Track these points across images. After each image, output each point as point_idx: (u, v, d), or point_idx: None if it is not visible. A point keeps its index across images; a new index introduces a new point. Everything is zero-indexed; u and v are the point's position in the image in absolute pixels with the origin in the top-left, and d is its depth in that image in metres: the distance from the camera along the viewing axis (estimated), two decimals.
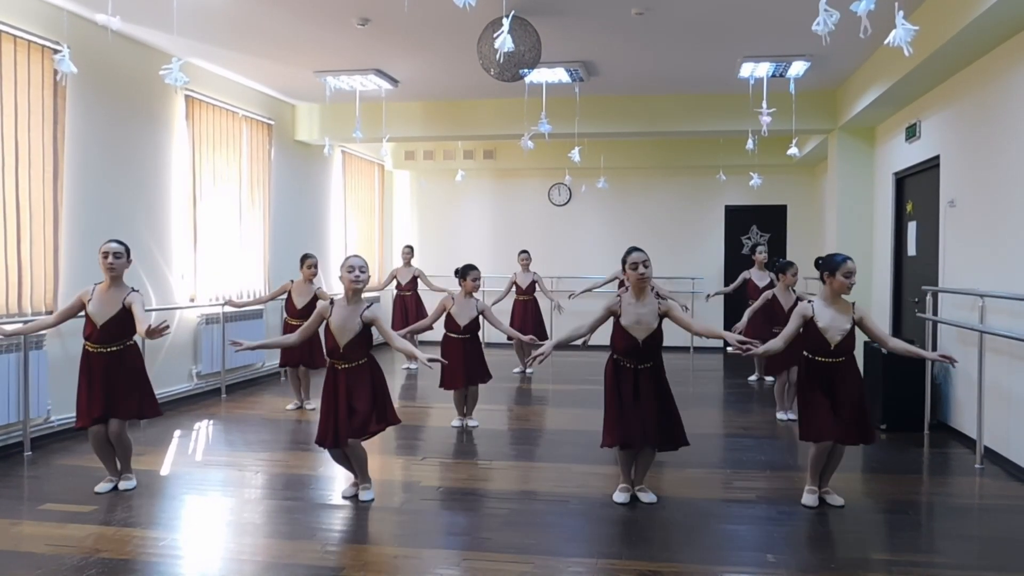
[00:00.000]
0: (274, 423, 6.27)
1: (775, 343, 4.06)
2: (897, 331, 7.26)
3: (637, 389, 4.05)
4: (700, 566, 3.40)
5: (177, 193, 6.94)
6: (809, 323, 4.03)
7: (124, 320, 4.24)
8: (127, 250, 4.33)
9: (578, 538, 3.78)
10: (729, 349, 4.24)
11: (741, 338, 3.88)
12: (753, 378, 8.52)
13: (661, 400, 4.09)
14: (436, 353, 4.41)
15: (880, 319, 7.66)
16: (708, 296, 9.19)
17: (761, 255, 8.04)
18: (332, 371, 4.13)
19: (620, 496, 4.22)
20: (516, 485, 4.63)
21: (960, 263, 5.79)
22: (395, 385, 8.12)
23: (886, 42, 3.48)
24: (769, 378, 8.22)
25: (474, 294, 5.96)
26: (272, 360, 8.32)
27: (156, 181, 6.69)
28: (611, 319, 4.12)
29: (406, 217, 12.20)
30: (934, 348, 6.02)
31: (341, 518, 4.03)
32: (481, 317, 5.95)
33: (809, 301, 4.11)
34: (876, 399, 6.18)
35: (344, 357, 4.06)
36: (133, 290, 4.31)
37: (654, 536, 3.75)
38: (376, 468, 4.93)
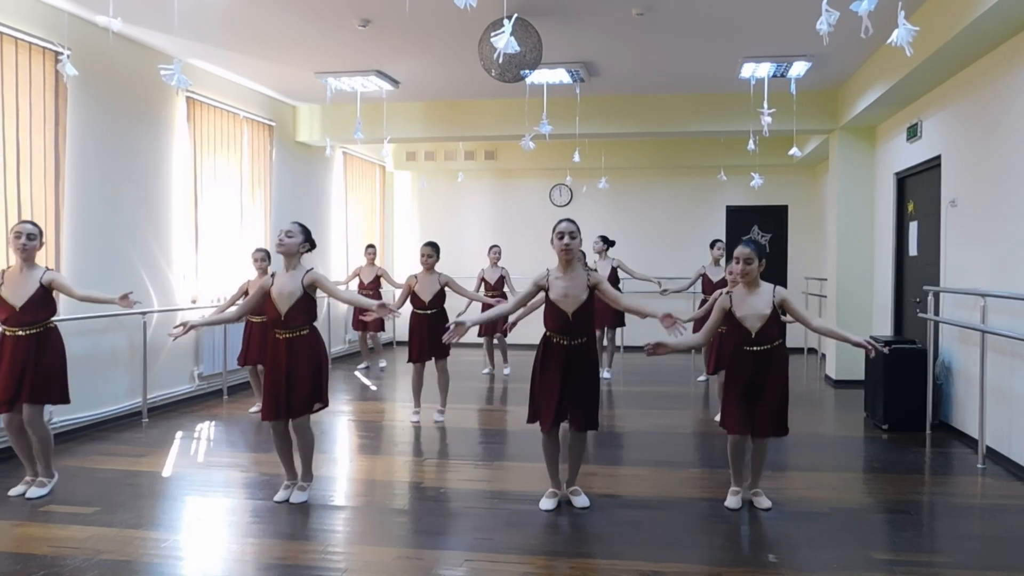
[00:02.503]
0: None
1: (696, 337, 4.15)
2: (899, 331, 7.26)
3: (567, 368, 3.93)
4: (702, 566, 3.40)
5: (178, 194, 6.95)
6: (728, 313, 4.01)
7: (43, 300, 4.16)
8: (40, 232, 4.24)
9: (579, 538, 3.78)
10: (699, 379, 4.20)
11: (665, 311, 3.78)
12: (701, 378, 8.42)
13: (587, 380, 3.98)
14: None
15: (882, 319, 7.66)
16: (661, 291, 8.72)
17: (717, 251, 7.97)
18: (274, 343, 4.06)
19: (547, 503, 4.10)
20: (517, 485, 4.63)
21: (962, 263, 5.79)
22: (396, 386, 8.12)
23: (888, 41, 3.48)
24: (701, 378, 8.30)
25: (435, 268, 6.13)
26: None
27: (157, 182, 6.69)
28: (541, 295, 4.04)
29: (407, 218, 12.20)
30: (936, 348, 6.01)
31: (343, 519, 4.03)
32: (447, 289, 6.12)
33: (728, 292, 4.09)
34: (877, 399, 6.18)
35: (285, 325, 4.00)
36: (48, 269, 4.25)
37: (655, 536, 3.75)
38: (377, 469, 4.93)
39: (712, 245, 8.07)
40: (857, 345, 3.88)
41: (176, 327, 4.10)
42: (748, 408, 3.99)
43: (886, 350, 3.99)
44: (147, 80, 6.45)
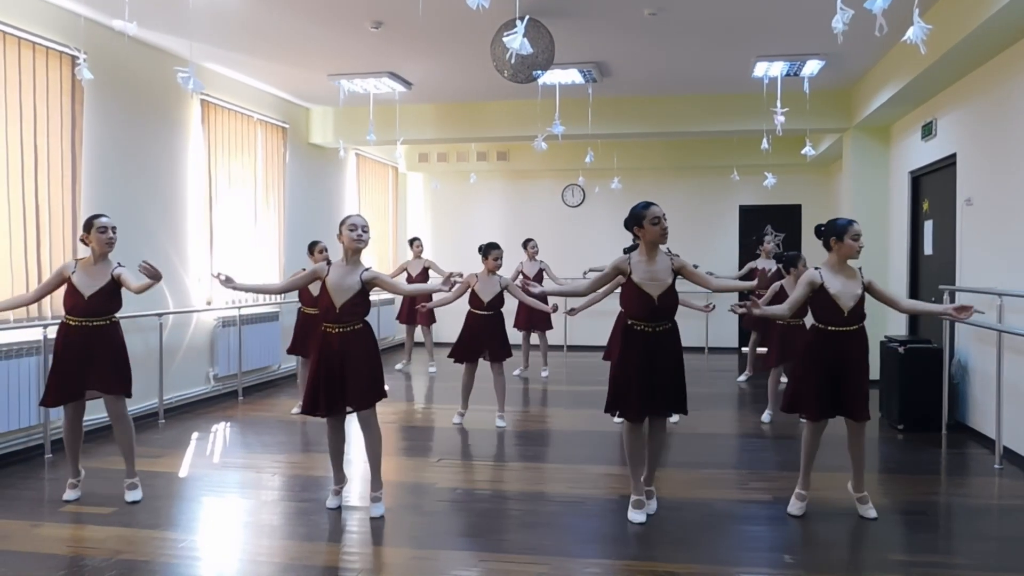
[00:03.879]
0: (291, 425, 6.31)
1: (780, 308, 3.97)
2: (914, 330, 7.20)
3: (652, 355, 3.82)
4: (717, 567, 3.39)
5: (193, 196, 7.01)
6: (819, 290, 3.86)
7: (113, 293, 4.20)
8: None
9: (594, 539, 3.78)
10: (730, 306, 4.20)
11: (749, 285, 3.89)
12: (742, 378, 8.46)
13: (675, 366, 3.88)
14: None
15: (896, 318, 7.60)
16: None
17: (769, 245, 8.05)
18: (324, 337, 3.94)
19: (636, 515, 3.92)
20: (531, 486, 4.63)
21: (977, 262, 5.74)
22: (415, 386, 8.15)
23: (904, 39, 3.46)
24: (741, 377, 8.28)
25: (497, 272, 6.03)
26: (288, 363, 8.38)
27: (172, 185, 6.76)
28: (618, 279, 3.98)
29: (419, 219, 12.23)
30: (952, 348, 5.96)
31: (358, 520, 4.05)
32: (506, 293, 6.02)
33: (816, 268, 3.97)
34: (893, 399, 6.13)
35: (339, 319, 3.91)
36: (119, 264, 4.28)
37: (670, 537, 3.74)
38: (391, 470, 4.95)
39: (761, 240, 8.15)
40: (943, 314, 3.84)
41: (220, 274, 4.07)
42: (831, 392, 3.86)
43: (974, 313, 3.81)
44: (162, 83, 6.51)
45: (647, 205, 3.87)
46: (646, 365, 3.83)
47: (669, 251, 4.01)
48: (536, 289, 4.03)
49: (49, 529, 3.85)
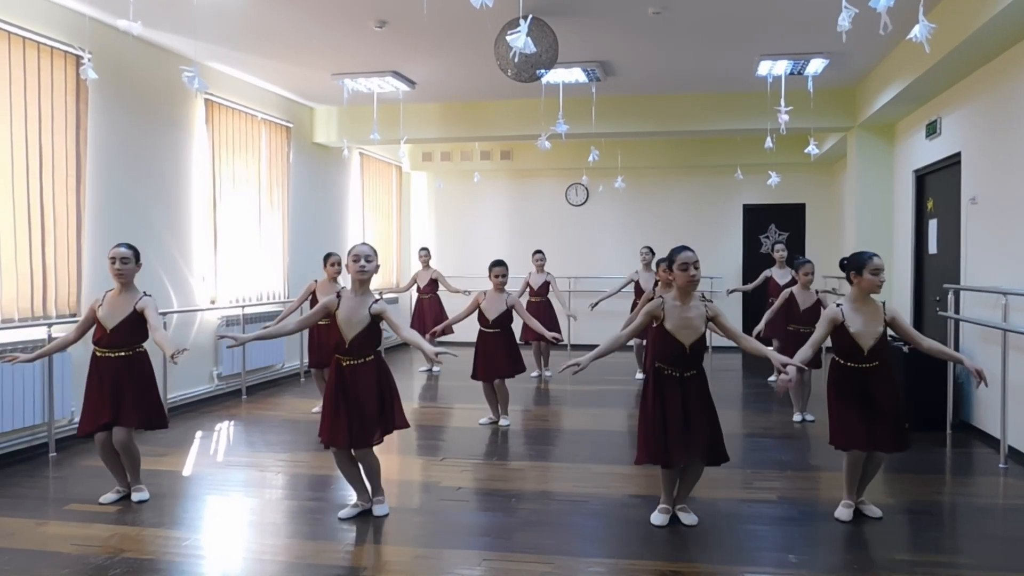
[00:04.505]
0: (294, 424, 6.32)
1: (805, 351, 3.85)
2: (919, 330, 7.11)
3: (685, 400, 3.75)
4: (721, 566, 3.39)
5: (197, 196, 7.02)
6: (840, 328, 3.84)
7: (135, 324, 4.17)
8: (136, 254, 4.22)
9: (598, 538, 3.78)
10: (770, 379, 4.03)
11: (786, 360, 3.60)
12: (773, 378, 8.46)
13: (707, 412, 3.80)
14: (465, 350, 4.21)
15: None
16: (728, 291, 9.19)
17: (779, 253, 8.04)
18: (338, 367, 3.92)
19: (659, 518, 3.88)
20: (535, 485, 4.63)
21: (982, 261, 5.72)
22: (414, 386, 8.16)
23: (908, 37, 3.44)
24: (771, 379, 8.26)
25: (505, 288, 6.04)
26: (292, 361, 8.39)
27: (176, 184, 6.77)
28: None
29: (423, 218, 12.24)
30: (957, 347, 5.94)
31: (362, 519, 4.05)
32: (513, 311, 6.03)
33: (838, 305, 3.91)
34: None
35: (350, 352, 3.89)
36: (145, 294, 4.22)
37: (674, 536, 3.74)
38: (396, 469, 4.95)
39: (773, 248, 8.17)
40: (970, 368, 3.69)
41: (225, 337, 4.07)
42: (866, 423, 3.82)
43: (983, 383, 3.76)
44: (167, 83, 6.52)
45: (680, 250, 3.75)
46: (676, 410, 3.72)
47: (703, 296, 3.93)
48: (586, 359, 3.72)
49: (54, 527, 3.86)
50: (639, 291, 8.17)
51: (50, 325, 5.21)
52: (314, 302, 6.55)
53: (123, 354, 4.17)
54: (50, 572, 3.30)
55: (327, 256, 6.64)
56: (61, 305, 5.48)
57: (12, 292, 5.10)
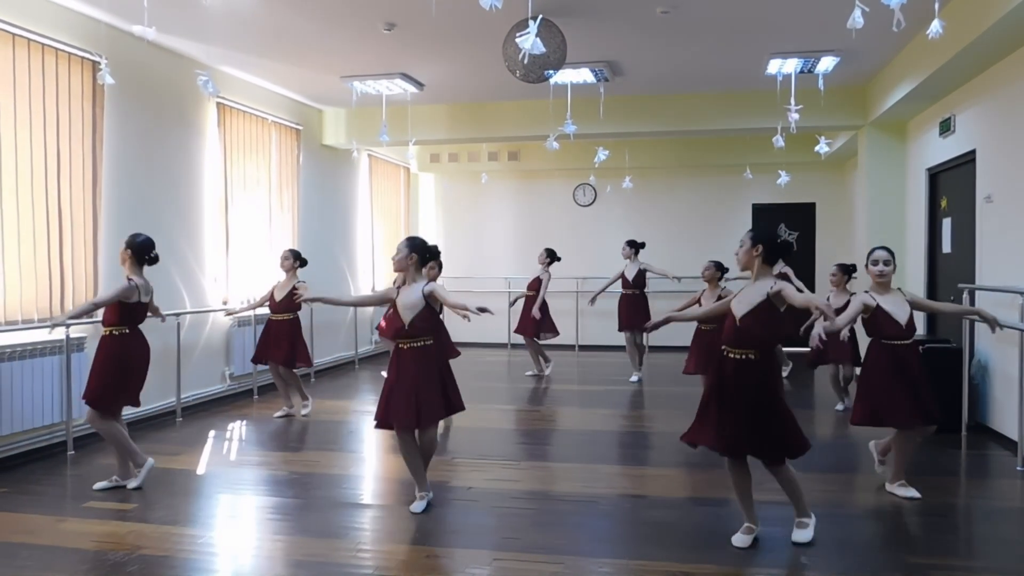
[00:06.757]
0: (305, 423, 6.35)
1: (842, 319, 4.07)
2: (932, 330, 7.13)
3: (732, 386, 3.53)
4: (731, 567, 3.38)
5: (209, 198, 7.08)
6: (876, 310, 4.13)
7: (114, 305, 4.46)
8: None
9: (607, 538, 3.78)
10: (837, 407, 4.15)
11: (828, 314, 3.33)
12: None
13: (757, 405, 3.51)
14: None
15: (914, 318, 7.51)
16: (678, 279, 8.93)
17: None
18: (397, 352, 4.12)
19: (742, 539, 3.60)
20: (545, 485, 4.64)
21: (998, 260, 5.67)
22: None
23: (927, 32, 3.42)
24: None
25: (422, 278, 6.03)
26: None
27: (189, 186, 6.83)
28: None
29: (431, 219, 12.26)
30: (971, 348, 5.90)
31: (372, 517, 4.07)
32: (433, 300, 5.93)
33: (866, 291, 4.24)
34: None
35: (410, 335, 4.08)
36: (129, 278, 4.54)
37: (684, 537, 3.74)
38: (406, 468, 4.97)
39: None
40: (983, 317, 4.15)
41: (298, 295, 4.59)
42: (914, 399, 4.11)
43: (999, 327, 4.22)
44: (180, 87, 6.58)
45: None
46: (722, 394, 3.56)
47: (781, 274, 4.04)
48: (660, 318, 4.13)
49: (73, 524, 3.91)
50: (625, 282, 8.35)
51: (68, 326, 5.26)
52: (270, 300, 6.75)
53: (104, 334, 4.51)
54: (69, 568, 3.35)
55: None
56: (78, 305, 5.53)
57: (31, 293, 5.16)
